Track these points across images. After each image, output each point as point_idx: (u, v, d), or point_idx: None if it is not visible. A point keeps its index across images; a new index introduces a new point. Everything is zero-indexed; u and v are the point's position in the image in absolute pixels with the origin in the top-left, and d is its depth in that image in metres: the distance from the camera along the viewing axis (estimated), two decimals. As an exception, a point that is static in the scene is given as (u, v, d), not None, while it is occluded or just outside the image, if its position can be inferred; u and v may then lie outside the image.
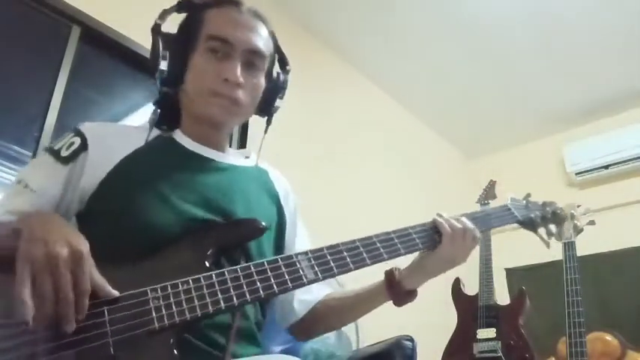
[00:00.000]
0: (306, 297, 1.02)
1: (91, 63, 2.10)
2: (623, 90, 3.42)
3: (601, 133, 3.48)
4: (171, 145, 0.95)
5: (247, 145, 2.20)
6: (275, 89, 1.02)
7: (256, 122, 1.09)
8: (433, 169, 3.81)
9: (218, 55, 0.92)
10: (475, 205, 2.71)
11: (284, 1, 2.81)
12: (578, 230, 1.20)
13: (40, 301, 0.60)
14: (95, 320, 0.65)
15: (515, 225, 1.14)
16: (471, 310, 2.46)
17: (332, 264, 0.81)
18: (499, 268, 3.06)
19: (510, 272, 3.39)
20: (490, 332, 2.35)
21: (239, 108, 0.94)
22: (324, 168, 2.79)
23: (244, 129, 2.27)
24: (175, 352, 0.67)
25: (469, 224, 0.94)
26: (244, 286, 0.74)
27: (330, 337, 1.51)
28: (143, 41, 2.12)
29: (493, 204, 2.66)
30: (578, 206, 1.24)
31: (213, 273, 0.74)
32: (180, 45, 0.93)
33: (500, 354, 2.27)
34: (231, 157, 1.01)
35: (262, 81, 0.98)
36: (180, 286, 0.71)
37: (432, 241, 0.93)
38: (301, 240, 1.06)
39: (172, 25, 0.97)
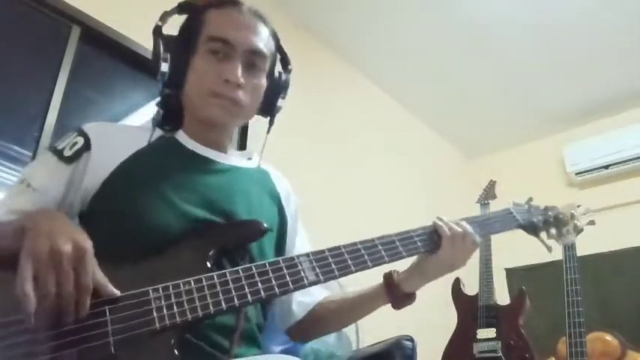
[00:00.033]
0: (305, 299, 1.02)
1: (91, 63, 2.10)
2: (623, 90, 3.42)
3: (601, 133, 3.48)
4: (174, 145, 0.95)
5: (247, 146, 2.20)
6: (277, 89, 1.02)
7: (256, 122, 1.09)
8: (433, 169, 3.81)
9: (219, 56, 0.92)
10: (475, 205, 2.71)
11: (284, 1, 2.81)
12: (578, 230, 1.20)
13: (42, 296, 0.61)
14: (96, 319, 0.65)
15: (516, 227, 1.13)
16: (471, 310, 2.46)
17: (333, 266, 0.81)
18: (499, 268, 3.06)
19: (510, 272, 3.39)
20: (490, 332, 2.35)
21: (240, 109, 0.93)
22: (324, 168, 2.79)
23: (244, 129, 2.27)
24: (176, 352, 0.67)
25: (469, 228, 0.94)
26: (245, 287, 0.74)
27: (330, 337, 1.51)
28: (143, 41, 2.12)
29: (493, 204, 2.67)
30: (578, 206, 1.23)
31: (214, 274, 0.74)
32: (181, 47, 0.93)
33: (500, 354, 2.27)
34: (233, 158, 1.01)
35: (263, 81, 0.98)
36: (181, 286, 0.71)
37: (433, 244, 0.93)
38: (301, 241, 1.06)
39: (174, 26, 0.97)
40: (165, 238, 0.80)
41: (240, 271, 0.75)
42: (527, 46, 3.08)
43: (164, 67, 0.91)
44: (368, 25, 2.99)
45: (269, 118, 1.04)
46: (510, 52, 3.15)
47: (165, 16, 0.95)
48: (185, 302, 0.70)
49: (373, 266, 0.86)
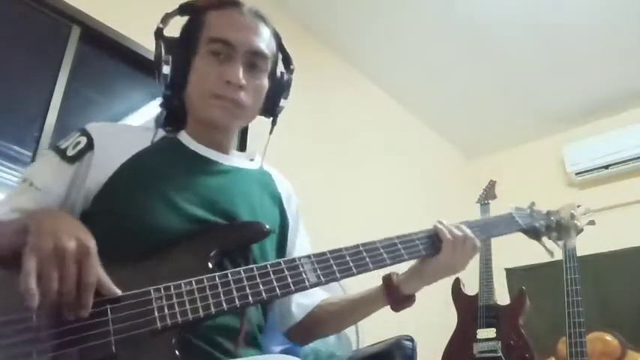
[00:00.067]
0: (304, 301, 1.02)
1: (91, 63, 2.10)
2: (623, 90, 3.42)
3: (601, 133, 3.48)
4: (176, 146, 0.95)
5: (247, 146, 2.20)
6: (279, 89, 1.02)
7: (256, 123, 1.09)
8: (433, 169, 3.81)
9: (220, 58, 0.91)
10: (475, 205, 2.71)
11: (284, 1, 2.81)
12: (578, 230, 1.20)
13: (45, 292, 0.61)
14: (98, 318, 0.65)
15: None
16: (471, 310, 2.46)
17: (335, 268, 0.81)
18: (499, 268, 3.06)
19: (510, 272, 3.39)
20: (490, 332, 2.35)
21: (242, 110, 0.93)
22: (324, 168, 2.79)
23: (244, 130, 2.27)
24: (177, 352, 0.67)
25: (469, 232, 0.94)
26: (247, 288, 0.74)
27: (330, 337, 1.51)
28: (143, 41, 2.13)
29: (493, 204, 2.67)
30: (578, 206, 1.23)
31: (216, 274, 0.74)
32: (183, 48, 0.93)
33: (500, 354, 2.27)
34: (235, 159, 1.01)
35: (265, 82, 0.98)
36: (183, 286, 0.71)
37: (434, 247, 0.93)
38: (301, 243, 1.06)
39: (175, 28, 0.97)
40: (167, 238, 0.80)
41: (242, 272, 0.75)
42: (527, 46, 3.08)
43: (166, 69, 0.91)
44: (368, 25, 2.99)
45: (272, 118, 1.04)
46: (510, 52, 3.15)
47: (166, 18, 0.95)
48: (186, 302, 0.70)
49: (375, 269, 0.86)
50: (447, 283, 2.51)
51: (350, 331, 2.03)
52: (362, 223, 2.86)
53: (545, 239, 1.16)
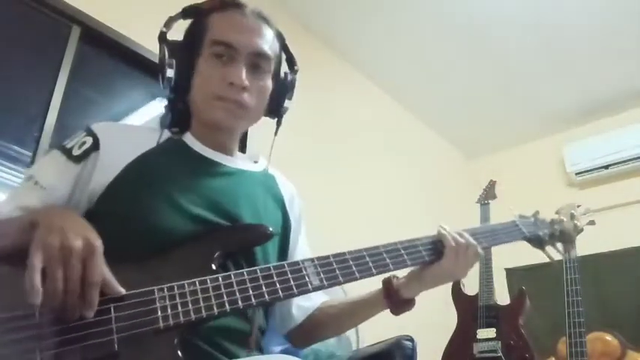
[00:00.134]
0: (305, 303, 1.02)
1: (91, 63, 2.10)
2: (623, 90, 3.42)
3: (601, 133, 3.48)
4: (181, 148, 0.95)
5: (248, 147, 2.20)
6: (283, 90, 1.02)
7: (257, 124, 1.09)
8: (433, 169, 3.81)
9: (223, 60, 0.92)
10: (475, 205, 2.71)
11: (284, 1, 2.81)
12: (578, 230, 1.20)
13: (49, 289, 0.61)
14: (101, 317, 0.65)
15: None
16: (471, 310, 2.46)
17: (337, 272, 0.81)
18: (499, 268, 3.05)
19: (510, 272, 3.38)
20: (490, 332, 2.36)
21: (245, 111, 0.93)
22: (323, 168, 2.79)
23: (244, 131, 2.27)
24: (179, 352, 0.67)
25: (472, 240, 0.94)
26: (250, 290, 0.74)
27: (330, 337, 1.51)
28: (143, 41, 2.13)
29: (493, 204, 2.67)
30: (578, 206, 1.23)
31: (219, 275, 0.74)
32: (186, 51, 0.93)
33: (500, 354, 2.27)
34: (240, 161, 1.01)
35: (269, 83, 0.98)
36: (186, 286, 0.71)
37: (437, 253, 0.93)
38: (302, 246, 1.06)
39: (179, 31, 0.97)
40: (171, 239, 0.80)
41: (245, 274, 0.75)
42: (527, 46, 3.08)
43: (170, 72, 0.91)
44: (368, 25, 2.99)
45: (276, 119, 1.04)
46: (510, 52, 3.15)
47: (169, 22, 0.96)
48: (189, 303, 0.70)
49: (377, 274, 0.86)
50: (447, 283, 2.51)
51: (350, 331, 2.03)
52: (362, 223, 2.86)
53: (548, 248, 1.16)
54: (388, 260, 0.87)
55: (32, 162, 1.79)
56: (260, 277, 0.76)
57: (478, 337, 2.37)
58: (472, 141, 4.07)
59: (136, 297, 0.68)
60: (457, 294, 2.55)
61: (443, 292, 2.51)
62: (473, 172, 4.02)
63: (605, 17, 2.85)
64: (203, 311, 0.70)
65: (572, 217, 1.20)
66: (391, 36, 3.06)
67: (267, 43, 0.96)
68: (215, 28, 0.93)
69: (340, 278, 0.81)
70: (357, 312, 1.02)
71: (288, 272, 0.78)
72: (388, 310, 0.97)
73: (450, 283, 2.54)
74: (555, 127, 3.78)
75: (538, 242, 1.15)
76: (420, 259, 0.91)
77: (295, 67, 1.05)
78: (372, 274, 0.85)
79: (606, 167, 3.42)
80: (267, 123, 1.05)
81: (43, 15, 1.93)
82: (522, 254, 1.21)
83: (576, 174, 3.54)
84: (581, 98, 3.52)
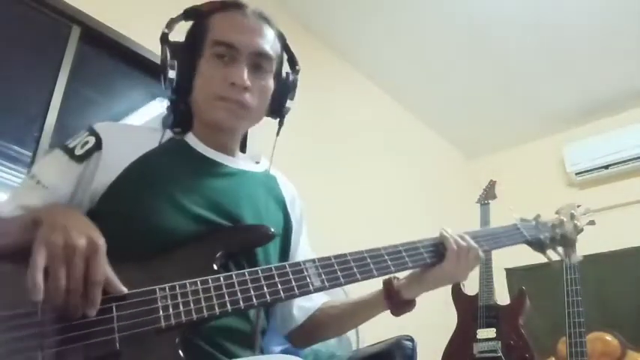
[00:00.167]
0: (306, 304, 1.03)
1: (91, 63, 2.10)
2: (623, 90, 3.42)
3: (601, 133, 3.48)
4: (183, 148, 0.95)
5: (247, 147, 2.20)
6: (285, 90, 1.02)
7: (257, 124, 1.09)
8: (433, 169, 3.81)
9: (224, 60, 0.92)
10: (475, 205, 2.71)
11: (284, 1, 2.81)
12: (578, 230, 1.20)
13: (51, 287, 0.61)
14: (103, 316, 0.65)
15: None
16: (471, 310, 2.46)
17: (339, 273, 0.82)
18: (499, 268, 3.06)
19: (510, 272, 3.39)
20: (490, 332, 2.36)
21: (247, 111, 0.93)
22: (324, 168, 2.79)
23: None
24: (180, 352, 0.67)
25: (473, 243, 0.94)
26: (251, 290, 0.74)
27: (330, 337, 1.51)
28: (143, 41, 2.13)
29: (493, 204, 2.67)
30: (578, 206, 1.23)
31: (221, 275, 0.74)
32: (188, 52, 0.94)
33: (500, 354, 2.27)
34: (241, 161, 1.01)
35: (270, 83, 0.98)
36: (187, 286, 0.71)
37: (438, 255, 0.93)
38: (304, 247, 1.07)
39: (180, 33, 0.98)
40: (173, 239, 0.80)
41: (247, 274, 0.76)
42: (527, 46, 3.08)
43: (172, 73, 0.91)
44: (368, 25, 2.99)
45: (278, 119, 1.04)
46: (510, 52, 3.15)
47: (171, 23, 0.96)
48: (191, 302, 0.70)
49: (379, 275, 0.87)
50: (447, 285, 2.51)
51: (350, 332, 2.03)
52: (362, 223, 2.86)
53: (549, 251, 1.16)
54: (389, 262, 0.87)
55: (32, 162, 1.79)
56: (261, 278, 0.76)
57: (478, 337, 2.37)
58: (472, 141, 4.07)
59: (138, 296, 0.69)
60: (457, 294, 2.55)
61: (443, 292, 2.50)
62: (473, 172, 4.02)
63: (605, 17, 2.85)
64: (205, 311, 0.70)
65: (572, 217, 1.20)
66: (391, 36, 3.06)
67: (269, 43, 0.96)
68: (216, 29, 0.94)
69: (341, 279, 0.81)
70: (357, 313, 1.02)
71: (290, 273, 0.78)
72: (389, 310, 0.97)
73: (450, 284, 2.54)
74: (555, 127, 3.78)
75: (539, 246, 1.15)
76: (421, 261, 0.91)
77: (297, 67, 1.05)
78: (374, 276, 0.85)
79: (606, 167, 3.42)
80: (266, 123, 1.05)
81: (43, 15, 1.93)
82: (522, 254, 1.20)
83: (576, 174, 3.54)
84: (581, 98, 3.52)
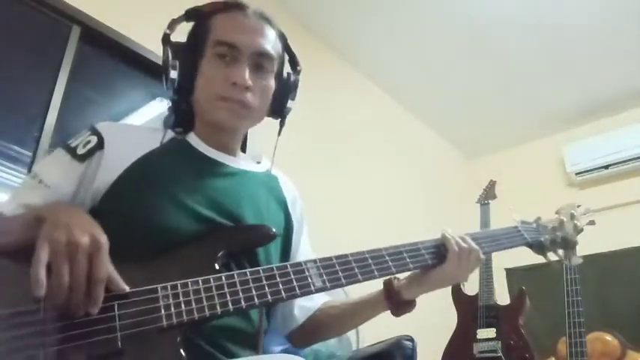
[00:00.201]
0: (306, 304, 1.03)
1: (91, 63, 2.10)
2: (623, 90, 3.42)
3: (601, 133, 3.48)
4: (185, 148, 0.95)
5: (247, 147, 2.20)
6: (286, 90, 1.02)
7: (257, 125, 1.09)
8: (433, 169, 3.81)
9: (226, 60, 0.92)
10: (475, 205, 2.71)
11: (284, 1, 2.81)
12: (578, 230, 1.20)
13: (54, 284, 0.61)
14: (105, 314, 0.65)
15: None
16: (470, 310, 2.46)
17: (340, 274, 0.82)
18: (499, 268, 3.06)
19: (510, 272, 3.39)
20: (490, 332, 2.36)
21: (248, 111, 0.94)
22: (324, 167, 2.79)
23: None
24: (182, 351, 0.68)
25: (474, 245, 0.95)
26: (253, 290, 0.74)
27: (330, 337, 1.51)
28: (143, 41, 2.13)
29: (493, 204, 2.67)
30: (578, 206, 1.23)
31: (222, 275, 0.74)
32: (189, 53, 0.94)
33: (500, 354, 2.27)
34: (243, 161, 1.01)
35: (272, 82, 0.98)
36: (189, 285, 0.71)
37: (439, 257, 0.93)
38: (305, 247, 1.07)
39: (182, 33, 0.98)
40: (175, 238, 0.80)
41: (248, 274, 0.76)
42: (527, 46, 3.08)
43: (173, 74, 0.92)
44: (368, 24, 2.99)
45: (279, 120, 1.04)
46: (510, 52, 3.15)
47: (172, 24, 0.96)
48: (193, 302, 0.70)
49: (380, 276, 0.87)
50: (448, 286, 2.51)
51: (350, 331, 2.03)
52: (362, 223, 2.86)
53: (549, 254, 1.16)
54: (390, 263, 0.87)
55: (32, 162, 1.79)
56: (263, 278, 0.76)
57: (478, 337, 2.37)
58: (472, 141, 4.07)
59: (140, 295, 0.69)
60: (457, 294, 2.55)
61: (443, 292, 2.51)
62: (473, 172, 4.02)
63: (605, 17, 2.85)
64: (206, 310, 0.70)
65: (572, 217, 1.20)
66: (391, 36, 3.06)
67: (270, 43, 0.96)
68: (218, 29, 0.94)
69: (342, 280, 0.81)
70: (358, 313, 1.02)
71: (291, 273, 0.78)
72: (389, 310, 0.97)
73: (450, 284, 2.54)
74: (555, 127, 3.78)
75: (540, 248, 1.15)
76: (422, 262, 0.92)
77: (298, 68, 1.05)
78: (375, 277, 0.85)
79: (606, 167, 3.42)
80: (266, 123, 1.05)
81: (43, 15, 1.93)
82: (522, 254, 1.21)
83: (576, 174, 3.54)
84: (581, 98, 3.52)
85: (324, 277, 0.80)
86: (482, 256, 0.96)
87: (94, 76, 2.17)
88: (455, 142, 4.11)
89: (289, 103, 1.03)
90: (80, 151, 0.88)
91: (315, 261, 0.82)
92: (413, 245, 0.92)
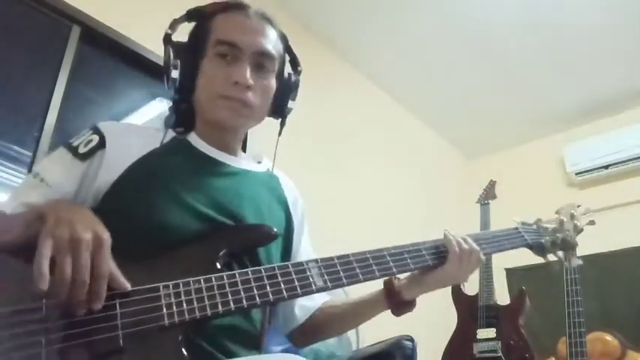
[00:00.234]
0: (307, 303, 1.03)
1: (91, 63, 2.10)
2: (623, 90, 3.42)
3: (601, 133, 3.48)
4: (186, 147, 0.96)
5: (247, 147, 2.20)
6: (286, 90, 1.02)
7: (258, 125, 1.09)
8: (433, 169, 3.81)
9: (227, 59, 0.92)
10: (475, 205, 2.71)
11: (284, 1, 2.82)
12: (578, 230, 1.20)
13: (57, 278, 0.61)
14: (106, 312, 0.65)
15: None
16: (470, 310, 2.46)
17: (341, 274, 0.82)
18: (499, 268, 3.06)
19: (510, 272, 3.39)
20: (490, 332, 2.36)
21: (250, 110, 0.94)
22: (323, 167, 2.79)
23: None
24: (183, 350, 0.68)
25: (475, 246, 0.95)
26: (254, 289, 0.74)
27: (330, 337, 1.51)
28: (143, 41, 2.13)
29: (493, 204, 2.67)
30: (578, 206, 1.23)
31: (224, 274, 0.74)
32: (191, 52, 0.94)
33: (500, 354, 2.27)
34: (243, 161, 1.01)
35: (273, 82, 0.98)
36: (191, 284, 0.72)
37: (440, 258, 0.93)
38: (305, 247, 1.07)
39: (183, 34, 0.98)
40: (176, 237, 0.80)
41: (250, 273, 0.76)
42: (527, 46, 3.08)
43: (175, 73, 0.92)
44: (368, 24, 2.99)
45: (280, 119, 1.05)
46: (510, 52, 3.15)
47: (174, 24, 0.97)
48: (195, 300, 0.70)
49: (381, 277, 0.87)
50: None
51: (350, 331, 2.03)
52: (362, 223, 2.86)
53: (550, 255, 1.16)
54: (392, 263, 0.88)
55: (32, 162, 1.79)
56: (265, 277, 0.76)
57: (478, 337, 2.37)
58: (472, 141, 4.07)
59: (142, 293, 0.69)
60: (457, 294, 2.55)
61: (443, 292, 2.51)
62: (473, 172, 4.02)
63: (605, 17, 2.85)
64: (208, 309, 0.70)
65: (572, 217, 1.20)
66: (391, 36, 3.06)
67: (271, 42, 0.96)
68: (219, 29, 0.94)
69: (344, 280, 0.82)
70: (358, 312, 1.02)
71: (293, 273, 0.78)
72: (389, 310, 0.97)
73: (450, 284, 2.54)
74: (555, 127, 3.78)
75: (540, 250, 1.15)
76: (423, 263, 0.92)
77: (299, 68, 1.05)
78: (376, 277, 0.86)
79: (606, 167, 3.42)
80: (266, 123, 1.05)
81: (43, 15, 1.93)
82: (522, 254, 1.21)
83: (576, 174, 3.54)
84: (581, 98, 3.52)
85: (326, 276, 0.80)
86: (482, 257, 0.96)
87: (94, 76, 2.17)
88: (455, 142, 4.11)
89: (290, 104, 1.03)
90: (82, 150, 0.88)
91: (316, 261, 0.82)
92: (414, 246, 0.93)
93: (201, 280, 0.72)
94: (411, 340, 1.09)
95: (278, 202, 1.01)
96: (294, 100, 1.04)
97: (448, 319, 2.54)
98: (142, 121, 2.26)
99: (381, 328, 1.31)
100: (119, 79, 2.27)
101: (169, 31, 0.95)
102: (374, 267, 0.85)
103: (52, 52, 1.95)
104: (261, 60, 0.94)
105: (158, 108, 2.27)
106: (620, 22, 2.88)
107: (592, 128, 3.60)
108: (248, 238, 0.85)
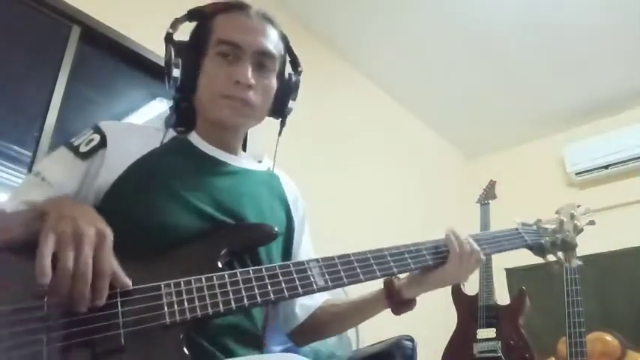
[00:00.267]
0: (307, 302, 1.03)
1: (91, 63, 2.11)
2: (623, 90, 3.42)
3: (601, 133, 3.48)
4: (186, 147, 0.96)
5: (247, 147, 2.20)
6: (287, 90, 1.03)
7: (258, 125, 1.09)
8: (433, 169, 3.81)
9: (228, 59, 0.93)
10: (475, 205, 2.71)
11: (284, 1, 2.82)
12: (578, 230, 1.20)
13: (59, 273, 0.61)
14: (108, 310, 0.65)
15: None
16: (470, 310, 2.46)
17: (342, 273, 0.82)
18: (499, 268, 3.06)
19: (510, 272, 3.39)
20: (490, 332, 2.36)
21: (251, 109, 0.94)
22: (323, 167, 2.79)
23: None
24: (185, 349, 0.68)
25: (476, 246, 0.96)
26: (255, 289, 0.74)
27: (330, 337, 1.51)
28: (143, 41, 2.13)
29: (493, 204, 2.67)
30: (578, 206, 1.23)
31: (225, 273, 0.75)
32: (192, 52, 0.95)
33: (500, 354, 2.27)
34: (244, 160, 1.02)
35: (274, 82, 0.99)
36: (192, 283, 0.72)
37: (441, 257, 0.94)
38: (306, 247, 1.07)
39: (184, 33, 0.98)
40: (177, 236, 0.81)
41: (251, 272, 0.76)
42: (527, 46, 3.08)
43: (176, 72, 0.92)
44: (368, 24, 2.99)
45: (280, 119, 1.05)
46: (510, 52, 3.15)
47: (175, 24, 0.97)
48: (196, 299, 0.70)
49: (382, 276, 0.88)
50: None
51: (350, 331, 2.04)
52: (362, 223, 2.86)
53: (549, 256, 1.16)
54: (392, 263, 0.88)
55: (32, 162, 1.79)
56: (266, 277, 0.76)
57: (478, 337, 2.37)
58: (472, 141, 4.07)
59: (143, 292, 0.69)
60: (457, 294, 2.55)
61: (443, 292, 2.51)
62: (473, 172, 4.02)
63: (605, 17, 2.85)
64: (209, 308, 0.70)
65: (572, 217, 1.20)
66: (391, 36, 3.06)
67: (272, 42, 0.97)
68: (220, 29, 0.94)
69: (345, 280, 0.82)
70: (358, 311, 1.02)
71: (294, 272, 0.78)
72: (389, 309, 0.97)
73: (450, 284, 2.54)
74: (555, 127, 3.78)
75: (540, 250, 1.15)
76: (423, 263, 0.92)
77: (299, 69, 1.06)
78: (377, 277, 0.86)
79: (606, 167, 3.42)
80: (266, 123, 1.05)
81: (43, 15, 1.93)
82: (522, 254, 1.21)
83: (576, 174, 3.54)
84: (581, 98, 3.52)
85: (327, 276, 0.80)
86: (482, 258, 0.96)
87: (94, 76, 2.17)
88: (455, 142, 4.11)
89: (290, 104, 1.04)
90: (83, 149, 0.88)
91: (317, 260, 0.82)
92: (414, 246, 0.93)
93: (203, 279, 0.72)
94: (411, 340, 1.09)
95: (279, 202, 1.01)
96: (294, 100, 1.04)
97: (448, 319, 2.54)
98: (142, 121, 2.26)
99: (381, 328, 1.32)
100: (119, 79, 2.27)
101: (170, 31, 0.96)
102: (375, 267, 0.86)
103: (52, 52, 1.95)
104: (262, 60, 0.95)
105: (158, 108, 2.27)
106: (620, 22, 2.88)
107: (592, 128, 3.60)
108: (249, 237, 0.86)
